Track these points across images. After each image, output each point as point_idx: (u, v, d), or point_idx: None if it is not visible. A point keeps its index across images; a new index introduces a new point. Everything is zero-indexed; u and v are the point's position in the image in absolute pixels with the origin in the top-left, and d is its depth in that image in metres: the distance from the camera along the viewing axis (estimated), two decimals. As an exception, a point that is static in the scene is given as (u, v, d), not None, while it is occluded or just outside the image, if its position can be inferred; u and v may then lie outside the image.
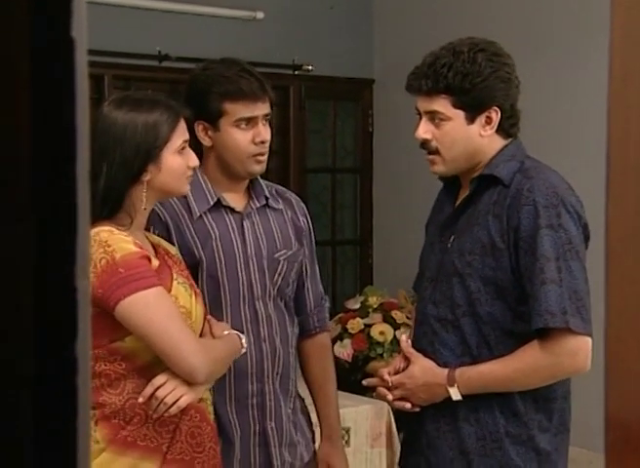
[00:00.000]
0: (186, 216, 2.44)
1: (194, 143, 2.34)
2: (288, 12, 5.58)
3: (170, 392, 2.01)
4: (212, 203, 2.45)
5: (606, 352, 0.75)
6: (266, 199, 2.54)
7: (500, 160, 2.21)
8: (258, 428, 2.48)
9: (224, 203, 2.47)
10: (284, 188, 2.70)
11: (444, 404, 2.21)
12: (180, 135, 2.15)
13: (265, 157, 2.46)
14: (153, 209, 2.31)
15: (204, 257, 2.43)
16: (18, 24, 0.54)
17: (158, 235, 2.36)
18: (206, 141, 2.45)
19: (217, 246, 2.45)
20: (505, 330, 2.16)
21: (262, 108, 2.43)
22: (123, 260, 1.98)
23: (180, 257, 2.27)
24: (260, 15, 5.43)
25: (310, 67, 5.60)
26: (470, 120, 2.20)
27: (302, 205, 2.68)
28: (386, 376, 2.29)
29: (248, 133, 2.42)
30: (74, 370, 0.57)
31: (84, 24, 0.57)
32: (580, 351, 2.11)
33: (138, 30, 4.97)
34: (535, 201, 2.11)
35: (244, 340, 2.24)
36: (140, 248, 2.05)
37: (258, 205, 2.52)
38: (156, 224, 2.42)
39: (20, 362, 0.56)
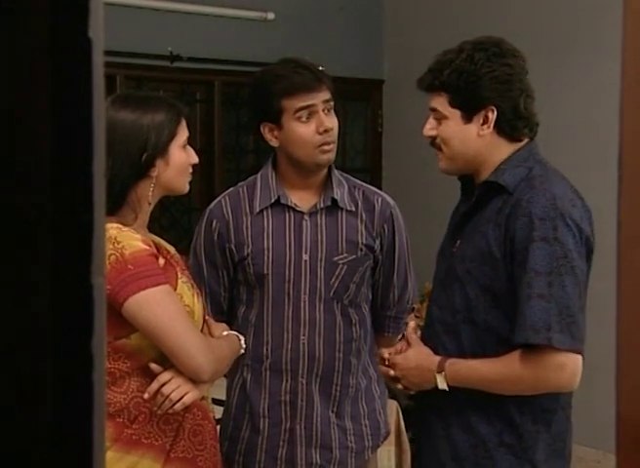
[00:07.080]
0: (248, 212, 2.51)
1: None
2: (298, 13, 5.59)
3: (175, 389, 2.03)
4: (272, 200, 2.49)
5: (617, 352, 0.76)
6: (333, 200, 2.52)
7: (508, 166, 2.16)
8: (287, 425, 2.52)
9: (283, 201, 2.50)
10: (376, 190, 2.65)
11: (441, 410, 2.22)
12: (184, 131, 2.17)
13: (332, 146, 2.47)
14: (219, 202, 2.50)
15: (252, 251, 2.48)
16: (36, 25, 0.55)
17: (218, 229, 2.50)
18: (273, 142, 2.50)
19: (267, 241, 2.48)
20: (502, 338, 2.10)
21: (320, 97, 2.46)
22: (132, 257, 1.98)
23: (179, 258, 2.28)
24: (270, 15, 5.44)
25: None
26: (467, 119, 2.16)
27: (390, 210, 2.59)
28: (386, 355, 2.32)
29: (310, 124, 2.45)
30: (90, 368, 0.58)
31: (101, 25, 0.58)
32: (566, 367, 2.04)
33: (149, 31, 4.98)
34: (531, 212, 2.04)
35: (242, 341, 2.26)
36: (149, 245, 2.06)
37: (323, 205, 2.52)
38: (219, 219, 2.51)
39: (37, 360, 0.57)
